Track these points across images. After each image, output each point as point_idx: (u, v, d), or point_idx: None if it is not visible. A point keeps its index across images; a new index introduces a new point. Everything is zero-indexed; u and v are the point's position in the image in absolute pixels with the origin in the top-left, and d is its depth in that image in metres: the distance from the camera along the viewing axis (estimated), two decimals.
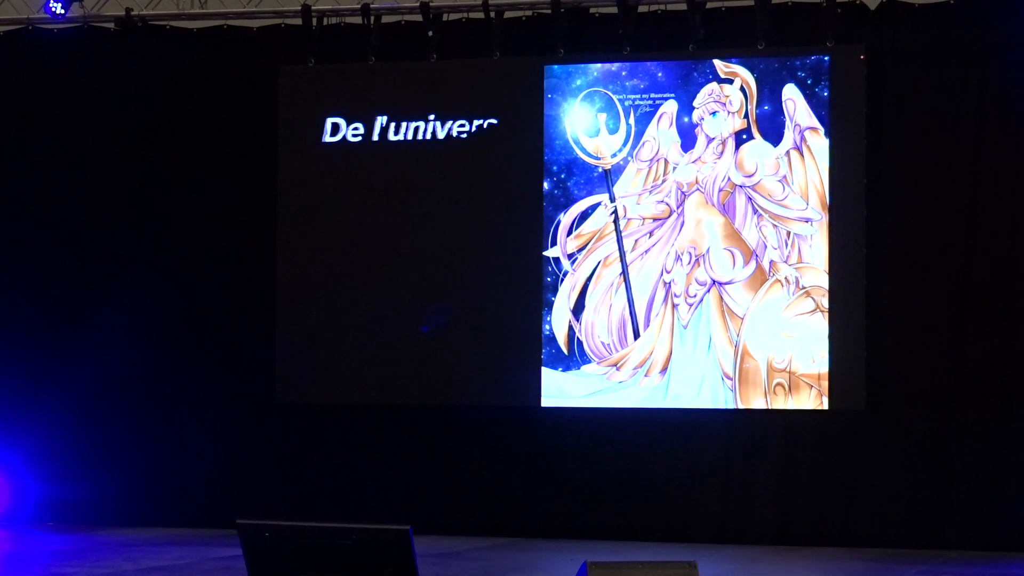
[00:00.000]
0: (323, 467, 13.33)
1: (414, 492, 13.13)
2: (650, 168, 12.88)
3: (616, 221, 12.89)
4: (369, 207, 13.30)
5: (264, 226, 13.47)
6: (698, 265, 12.71)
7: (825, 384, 12.41)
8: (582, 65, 13.01)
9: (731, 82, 12.73)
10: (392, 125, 13.29)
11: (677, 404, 12.71)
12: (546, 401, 12.95)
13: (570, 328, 12.94)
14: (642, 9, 12.93)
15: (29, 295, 13.81)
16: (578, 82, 13.03)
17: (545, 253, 13.02)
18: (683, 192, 12.79)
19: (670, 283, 12.76)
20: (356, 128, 13.35)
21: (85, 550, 12.00)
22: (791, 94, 12.60)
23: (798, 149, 12.58)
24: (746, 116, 12.68)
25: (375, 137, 13.29)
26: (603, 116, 12.97)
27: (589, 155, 12.99)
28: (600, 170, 12.97)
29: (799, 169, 12.56)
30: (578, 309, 12.93)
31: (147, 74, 13.71)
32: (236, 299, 13.57)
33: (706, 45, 12.72)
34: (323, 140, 13.37)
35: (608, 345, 12.87)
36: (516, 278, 13.05)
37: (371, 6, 13.22)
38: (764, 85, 12.66)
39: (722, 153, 12.73)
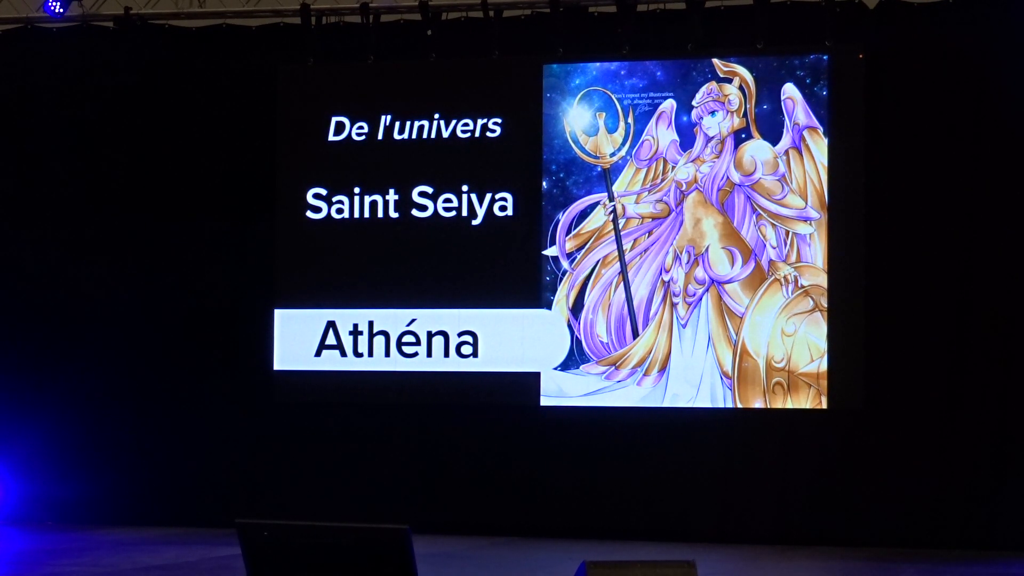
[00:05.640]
0: (322, 466, 13.33)
1: (413, 491, 13.13)
2: (649, 167, 12.88)
3: (615, 220, 12.89)
4: (368, 207, 13.29)
5: (263, 225, 13.47)
6: (697, 264, 12.71)
7: (824, 383, 12.42)
8: (581, 64, 13.01)
9: (730, 81, 12.73)
10: (396, 124, 13.28)
11: (676, 403, 12.71)
12: (545, 400, 12.95)
13: (569, 327, 12.93)
14: (641, 8, 12.93)
15: (28, 293, 13.80)
16: (577, 81, 13.03)
17: (544, 252, 13.02)
18: (682, 191, 12.79)
19: (669, 282, 12.76)
20: (360, 127, 13.34)
21: (84, 549, 12.00)
22: (790, 93, 12.60)
23: (797, 148, 12.58)
24: (745, 115, 12.68)
25: (380, 136, 13.29)
26: (602, 115, 12.97)
27: (588, 154, 12.99)
28: (599, 169, 12.97)
29: (798, 168, 12.57)
30: (577, 308, 12.93)
31: (146, 73, 13.71)
32: (235, 298, 13.57)
33: (705, 44, 12.72)
34: (327, 139, 13.37)
35: (607, 344, 12.87)
36: (515, 277, 13.05)
37: (370, 5, 13.22)
38: (763, 84, 12.66)
39: (721, 152, 12.74)
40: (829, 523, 12.51)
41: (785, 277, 12.54)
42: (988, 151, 12.33)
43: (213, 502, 13.29)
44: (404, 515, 11.88)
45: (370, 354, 13.23)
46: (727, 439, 12.73)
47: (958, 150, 12.37)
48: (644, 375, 12.78)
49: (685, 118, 12.81)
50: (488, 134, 13.15)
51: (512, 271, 13.06)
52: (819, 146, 12.52)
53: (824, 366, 12.42)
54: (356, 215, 13.32)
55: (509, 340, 13.03)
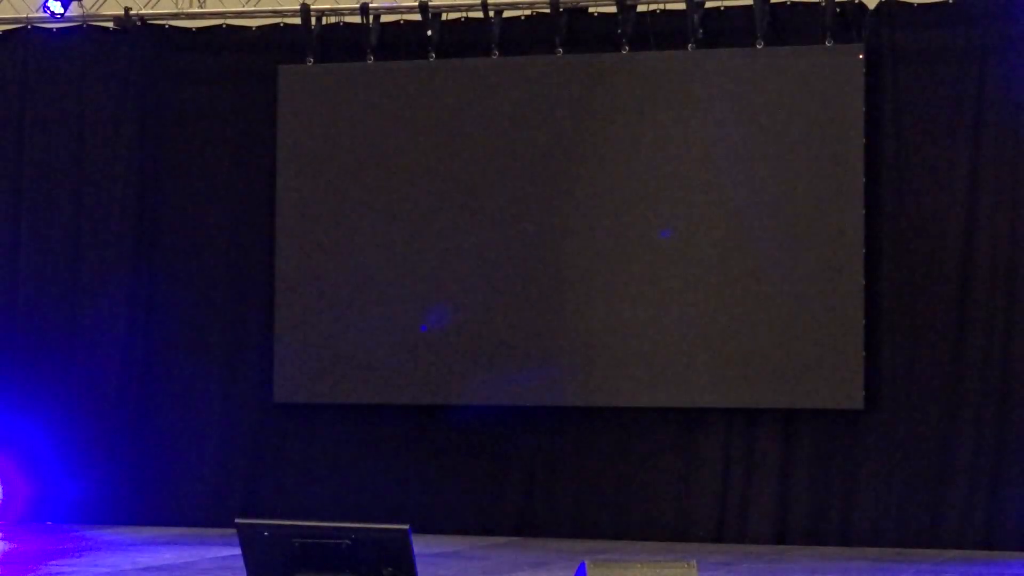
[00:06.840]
0: (322, 466, 13.32)
1: (413, 491, 13.12)
2: None
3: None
4: (368, 207, 13.27)
5: (262, 225, 13.47)
6: (698, 263, 12.69)
7: (824, 384, 12.40)
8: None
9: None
10: (394, 123, 13.25)
11: (676, 403, 12.70)
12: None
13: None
14: (641, 8, 12.92)
15: (28, 293, 13.80)
16: None
17: None
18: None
19: (670, 281, 12.74)
20: (359, 128, 13.32)
21: (83, 549, 12.00)
22: (790, 92, 12.58)
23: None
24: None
25: (376, 136, 13.28)
26: None
27: None
28: None
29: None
30: None
31: (146, 73, 13.71)
32: (235, 298, 13.56)
33: (705, 44, 12.71)
34: (324, 140, 13.36)
35: None
36: (515, 277, 13.04)
37: (370, 5, 13.22)
38: (763, 84, 12.64)
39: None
40: (828, 523, 12.50)
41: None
42: (988, 151, 12.33)
43: (213, 502, 13.29)
44: (404, 514, 11.88)
45: (370, 353, 13.20)
46: (727, 439, 12.72)
47: (958, 150, 12.37)
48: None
49: None
50: (488, 134, 13.13)
51: (512, 271, 13.05)
52: (819, 146, 12.50)
53: (824, 366, 12.40)
54: (356, 217, 13.30)
55: (509, 340, 13.02)
